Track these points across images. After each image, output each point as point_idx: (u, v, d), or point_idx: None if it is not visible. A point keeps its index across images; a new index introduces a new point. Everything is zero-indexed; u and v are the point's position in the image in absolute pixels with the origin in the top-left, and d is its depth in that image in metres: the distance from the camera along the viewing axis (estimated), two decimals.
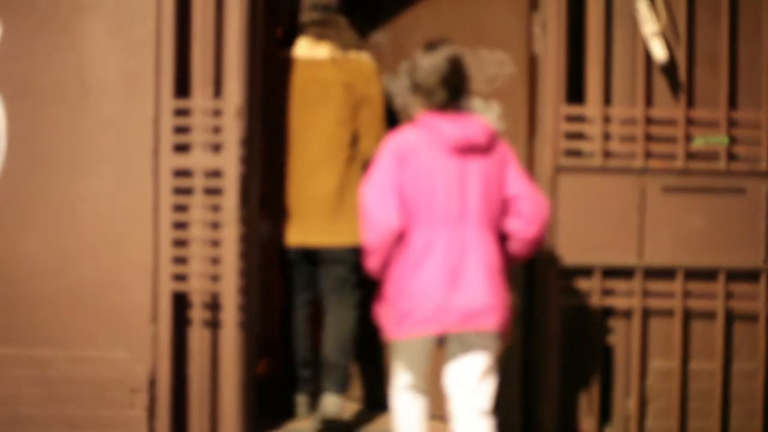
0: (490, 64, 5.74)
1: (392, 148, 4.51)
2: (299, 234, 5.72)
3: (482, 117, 4.87)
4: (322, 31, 5.69)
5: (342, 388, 5.73)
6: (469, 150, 4.43)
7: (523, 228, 4.50)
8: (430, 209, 4.40)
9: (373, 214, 4.44)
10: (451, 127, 4.44)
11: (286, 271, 5.97)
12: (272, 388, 6.82)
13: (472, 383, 4.41)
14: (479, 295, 4.35)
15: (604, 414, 5.42)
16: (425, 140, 4.46)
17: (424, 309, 4.35)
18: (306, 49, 5.73)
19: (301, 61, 5.72)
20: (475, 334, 4.37)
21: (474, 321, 4.35)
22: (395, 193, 4.40)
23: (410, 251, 4.42)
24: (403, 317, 4.42)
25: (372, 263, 4.55)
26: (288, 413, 6.06)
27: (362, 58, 5.70)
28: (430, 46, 4.61)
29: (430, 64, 4.52)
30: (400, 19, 5.93)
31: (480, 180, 4.43)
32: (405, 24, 5.90)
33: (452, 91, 4.51)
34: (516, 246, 4.56)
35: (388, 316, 4.57)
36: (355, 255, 5.50)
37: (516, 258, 4.63)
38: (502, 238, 4.53)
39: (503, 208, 4.50)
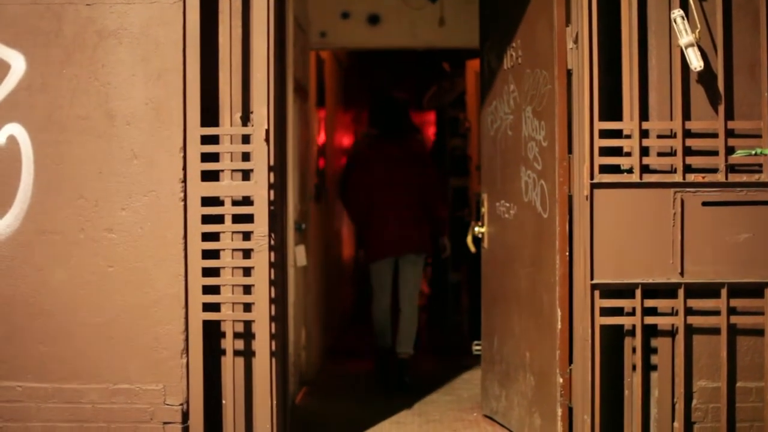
0: (542, 84, 5.72)
1: (358, 158, 8.38)
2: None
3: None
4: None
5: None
6: (398, 160, 8.07)
7: (428, 204, 8.12)
8: (377, 191, 8.03)
9: (350, 207, 8.40)
10: (387, 146, 8.15)
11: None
12: (313, 417, 6.78)
13: (407, 277, 8.12)
14: (402, 238, 7.99)
15: None
16: (374, 153, 8.20)
17: (377, 246, 8.07)
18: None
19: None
20: (405, 255, 8.09)
21: (401, 249, 8.06)
22: (361, 188, 8.14)
23: (369, 216, 8.08)
24: (369, 251, 8.17)
25: (353, 223, 8.75)
26: None
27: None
28: (381, 99, 8.47)
29: (379, 112, 8.41)
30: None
31: (404, 175, 8.05)
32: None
33: (390, 127, 8.25)
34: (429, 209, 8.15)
35: (364, 253, 8.32)
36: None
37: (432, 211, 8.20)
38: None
39: (421, 189, 8.08)
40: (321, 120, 9.30)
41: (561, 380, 5.52)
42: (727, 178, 5.13)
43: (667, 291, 5.16)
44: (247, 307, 5.21)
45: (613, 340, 5.27)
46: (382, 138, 8.31)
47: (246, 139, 5.21)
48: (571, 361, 5.48)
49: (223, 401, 5.26)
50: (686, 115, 5.17)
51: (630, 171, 5.17)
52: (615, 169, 5.20)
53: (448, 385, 7.79)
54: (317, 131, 8.98)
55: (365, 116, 9.85)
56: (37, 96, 5.26)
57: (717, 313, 5.15)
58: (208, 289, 5.22)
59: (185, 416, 5.23)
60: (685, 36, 5.07)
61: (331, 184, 9.81)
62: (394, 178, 8.02)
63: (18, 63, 5.27)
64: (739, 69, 5.21)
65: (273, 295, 5.20)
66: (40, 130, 5.26)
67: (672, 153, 5.17)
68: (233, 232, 5.22)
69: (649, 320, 5.17)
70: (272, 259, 5.20)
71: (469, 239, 6.88)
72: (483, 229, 6.61)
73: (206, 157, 5.22)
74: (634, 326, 5.16)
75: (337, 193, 9.04)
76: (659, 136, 5.19)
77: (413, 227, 8.01)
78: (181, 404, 5.22)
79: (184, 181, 5.22)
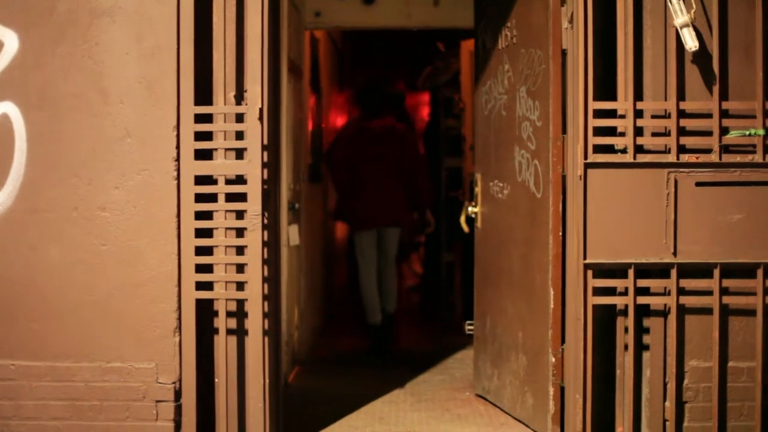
0: (537, 64, 5.73)
1: (343, 138, 8.93)
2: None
3: None
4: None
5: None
6: (378, 138, 8.61)
7: (407, 184, 8.68)
8: (361, 169, 8.58)
9: (336, 183, 8.91)
10: (369, 126, 8.69)
11: None
12: (306, 396, 6.79)
13: (386, 246, 8.78)
14: (384, 211, 8.60)
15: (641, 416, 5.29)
16: (358, 133, 8.75)
17: (363, 218, 8.66)
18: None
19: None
20: (386, 227, 8.71)
21: (382, 221, 8.66)
22: (345, 165, 8.66)
23: (354, 191, 8.64)
24: (354, 223, 8.82)
25: (337, 194, 8.98)
26: (319, 422, 6.01)
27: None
28: (365, 84, 9.12)
29: (361, 95, 8.96)
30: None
31: (385, 154, 8.60)
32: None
33: (372, 109, 8.76)
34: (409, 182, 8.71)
35: (348, 224, 9.29)
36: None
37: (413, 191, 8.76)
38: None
39: (403, 168, 8.63)
40: (315, 100, 9.28)
41: (553, 360, 5.54)
42: (720, 158, 5.14)
43: (659, 271, 5.18)
44: (240, 286, 5.21)
45: (605, 319, 5.29)
46: (364, 117, 8.88)
47: (240, 117, 5.20)
48: (563, 341, 5.50)
49: (216, 380, 5.27)
50: (681, 96, 5.18)
51: (624, 151, 5.18)
52: (609, 149, 5.21)
53: (440, 365, 7.80)
54: (312, 111, 8.97)
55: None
56: (30, 74, 5.25)
57: (709, 293, 5.16)
58: (201, 268, 5.22)
59: (178, 394, 5.23)
60: (680, 16, 5.07)
61: (323, 163, 9.81)
62: (374, 154, 8.64)
63: (11, 41, 5.26)
64: (734, 49, 5.21)
65: (266, 274, 5.21)
66: (33, 108, 5.25)
67: (666, 133, 5.17)
68: (226, 211, 5.22)
69: (642, 300, 5.19)
70: (265, 238, 5.20)
71: (463, 219, 6.88)
72: (476, 209, 6.61)
73: (200, 136, 5.21)
74: (626, 306, 5.18)
75: (325, 166, 9.51)
76: (653, 117, 5.19)
77: (393, 201, 8.68)
78: (174, 382, 5.23)
79: (178, 159, 5.21)
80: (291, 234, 7.17)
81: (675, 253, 5.14)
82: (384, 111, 8.88)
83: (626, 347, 5.23)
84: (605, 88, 5.27)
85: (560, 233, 5.49)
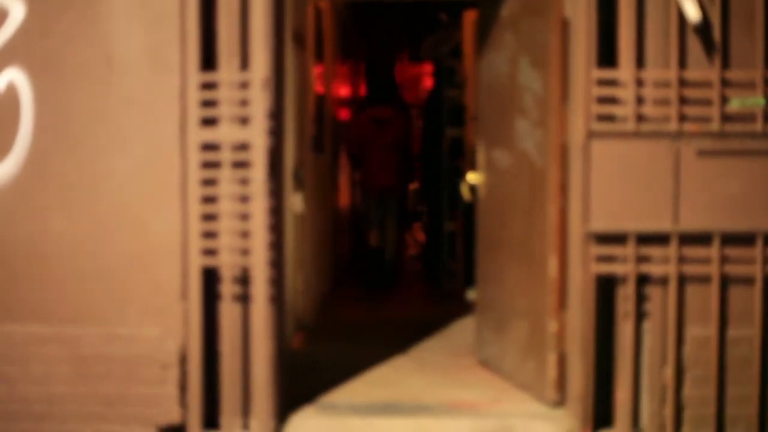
0: (539, 33, 5.76)
1: (357, 122, 10.70)
2: None
3: None
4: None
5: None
6: (383, 122, 10.26)
7: (404, 158, 10.49)
8: (369, 146, 10.28)
9: (350, 158, 11.04)
10: (376, 113, 10.33)
11: None
12: (310, 361, 6.85)
13: (387, 204, 10.39)
14: (386, 177, 10.29)
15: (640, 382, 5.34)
16: (368, 118, 10.38)
17: (370, 181, 10.41)
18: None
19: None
20: (387, 190, 10.39)
21: (385, 186, 10.32)
22: (358, 145, 10.48)
23: (366, 162, 10.37)
24: (364, 184, 10.52)
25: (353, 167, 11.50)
26: (323, 387, 6.06)
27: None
28: (372, 73, 13.44)
29: (371, 89, 13.50)
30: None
31: (388, 134, 10.27)
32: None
33: (379, 100, 10.62)
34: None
35: (360, 186, 10.81)
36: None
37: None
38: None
39: (402, 145, 10.41)
40: (319, 70, 9.30)
41: (554, 327, 5.59)
42: (722, 128, 5.17)
43: (660, 239, 5.22)
44: (245, 253, 5.25)
45: (605, 286, 5.32)
46: (372, 102, 10.91)
47: (244, 85, 5.23)
48: (564, 308, 5.55)
49: (221, 345, 5.32)
50: (682, 65, 5.20)
51: (626, 120, 5.20)
52: (611, 118, 5.24)
53: (442, 332, 7.87)
54: (316, 81, 8.98)
55: (362, 69, 13.16)
56: (36, 42, 5.27)
57: (710, 261, 5.21)
58: (206, 235, 5.26)
59: (183, 360, 5.29)
60: None
61: (327, 133, 9.85)
62: (380, 136, 10.31)
63: (17, 9, 5.28)
64: (735, 19, 5.23)
65: (270, 240, 5.25)
66: (39, 76, 5.27)
67: (668, 102, 5.20)
68: (231, 179, 5.25)
69: (643, 268, 5.23)
70: (270, 206, 5.24)
71: (465, 188, 6.91)
72: (479, 178, 6.65)
73: (205, 103, 5.24)
74: (627, 274, 5.22)
75: (345, 147, 11.36)
76: (655, 86, 5.22)
77: (392, 172, 10.44)
78: (180, 348, 5.28)
79: (183, 126, 5.24)
80: (296, 201, 7.21)
81: (676, 222, 5.18)
82: (385, 100, 10.75)
83: (626, 315, 5.27)
84: (606, 62, 5.28)
85: (561, 201, 5.52)
